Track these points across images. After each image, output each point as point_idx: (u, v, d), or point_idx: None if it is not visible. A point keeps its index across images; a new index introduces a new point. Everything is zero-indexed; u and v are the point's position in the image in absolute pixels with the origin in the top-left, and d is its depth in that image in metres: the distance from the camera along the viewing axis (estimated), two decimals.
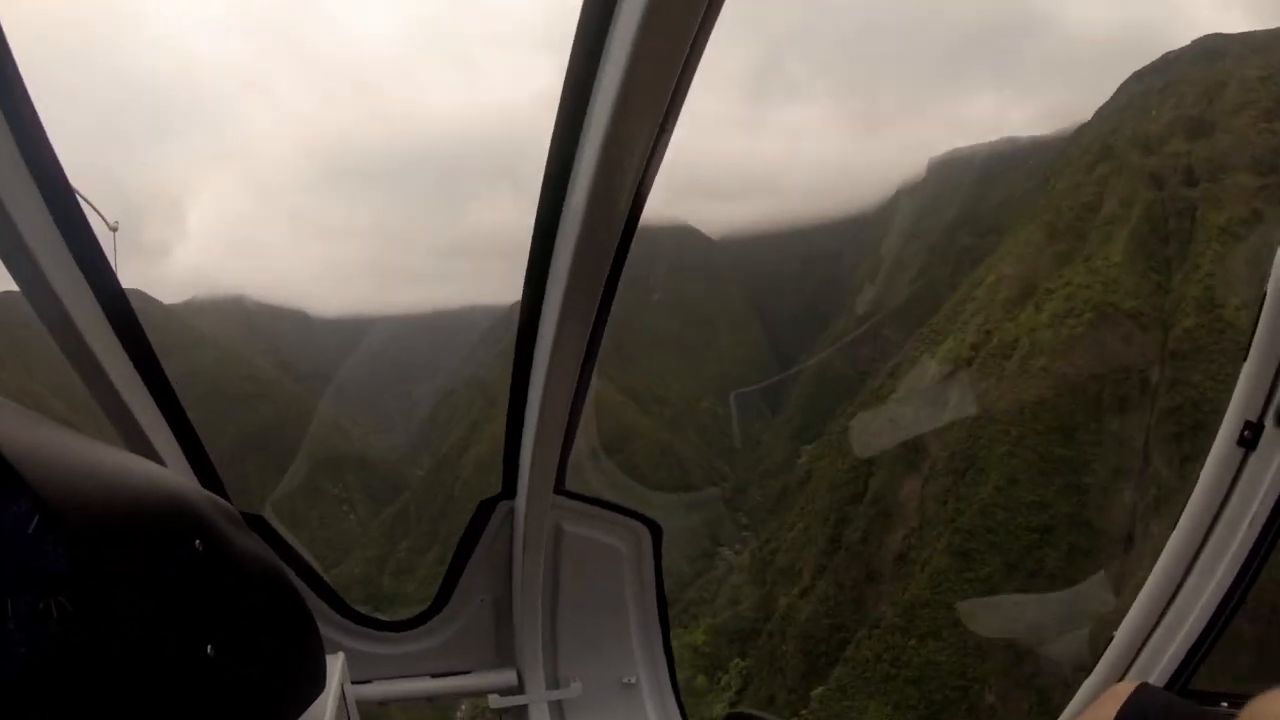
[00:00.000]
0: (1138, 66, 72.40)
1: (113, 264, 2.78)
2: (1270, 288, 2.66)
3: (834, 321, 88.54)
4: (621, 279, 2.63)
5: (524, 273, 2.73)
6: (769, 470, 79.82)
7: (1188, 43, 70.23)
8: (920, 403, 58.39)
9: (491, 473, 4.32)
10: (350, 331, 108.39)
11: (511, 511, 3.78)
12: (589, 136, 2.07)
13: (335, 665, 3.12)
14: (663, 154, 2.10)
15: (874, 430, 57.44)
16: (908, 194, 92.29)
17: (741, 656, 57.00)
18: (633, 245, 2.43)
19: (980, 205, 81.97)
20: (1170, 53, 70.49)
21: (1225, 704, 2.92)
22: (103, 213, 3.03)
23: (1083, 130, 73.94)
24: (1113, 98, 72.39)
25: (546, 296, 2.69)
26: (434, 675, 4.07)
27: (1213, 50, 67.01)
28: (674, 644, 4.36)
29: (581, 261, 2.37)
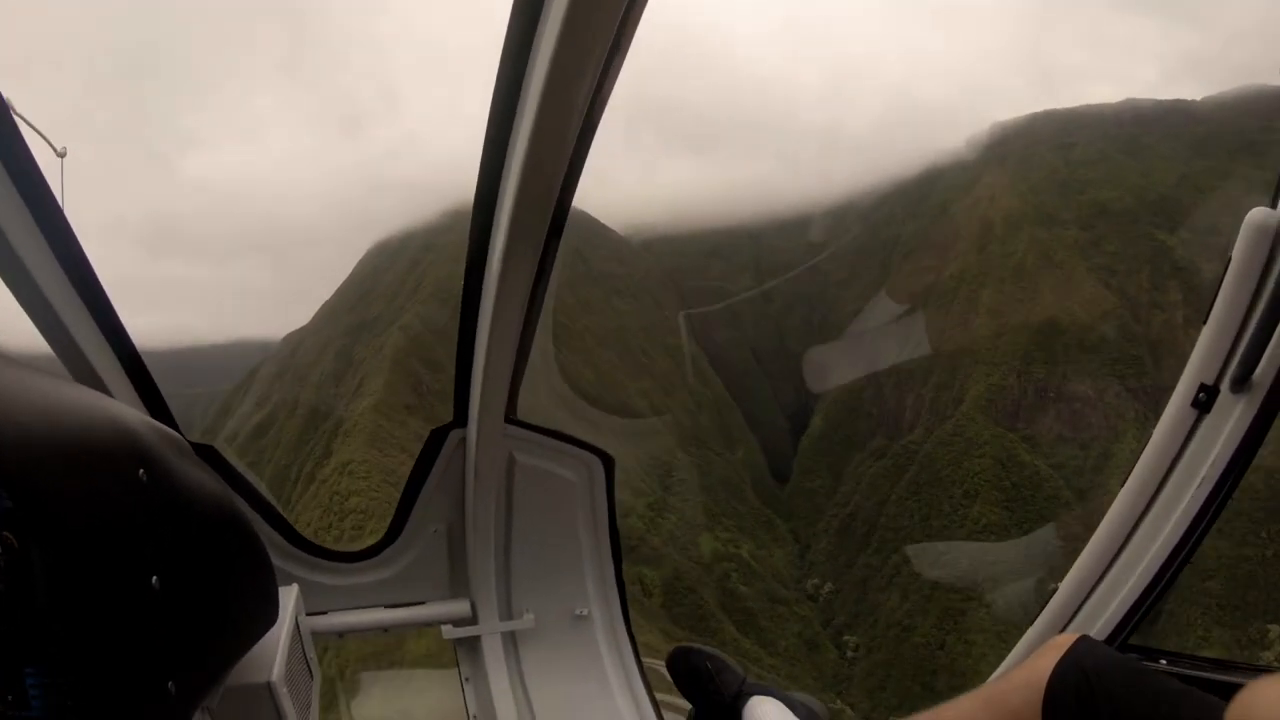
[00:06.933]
0: None
1: (57, 191, 2.75)
2: (1235, 254, 2.65)
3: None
4: (573, 202, 2.60)
5: (472, 199, 2.65)
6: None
7: None
8: None
9: None
10: None
11: (463, 440, 3.77)
12: (538, 54, 2.02)
13: (289, 597, 3.17)
14: (616, 74, 2.13)
15: None
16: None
17: None
18: (586, 164, 2.46)
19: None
20: None
21: (1163, 661, 2.98)
22: (49, 138, 2.97)
23: None
24: None
25: (495, 221, 2.66)
26: (388, 606, 4.10)
27: None
28: None
29: (531, 184, 2.33)
